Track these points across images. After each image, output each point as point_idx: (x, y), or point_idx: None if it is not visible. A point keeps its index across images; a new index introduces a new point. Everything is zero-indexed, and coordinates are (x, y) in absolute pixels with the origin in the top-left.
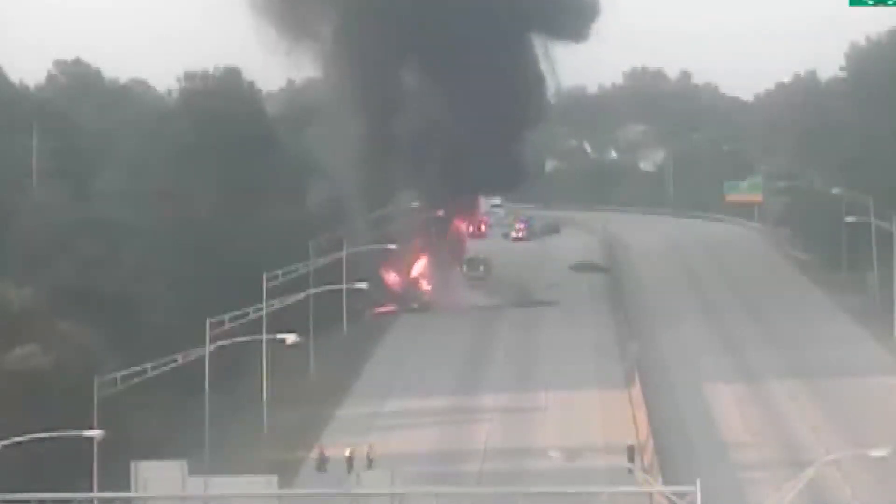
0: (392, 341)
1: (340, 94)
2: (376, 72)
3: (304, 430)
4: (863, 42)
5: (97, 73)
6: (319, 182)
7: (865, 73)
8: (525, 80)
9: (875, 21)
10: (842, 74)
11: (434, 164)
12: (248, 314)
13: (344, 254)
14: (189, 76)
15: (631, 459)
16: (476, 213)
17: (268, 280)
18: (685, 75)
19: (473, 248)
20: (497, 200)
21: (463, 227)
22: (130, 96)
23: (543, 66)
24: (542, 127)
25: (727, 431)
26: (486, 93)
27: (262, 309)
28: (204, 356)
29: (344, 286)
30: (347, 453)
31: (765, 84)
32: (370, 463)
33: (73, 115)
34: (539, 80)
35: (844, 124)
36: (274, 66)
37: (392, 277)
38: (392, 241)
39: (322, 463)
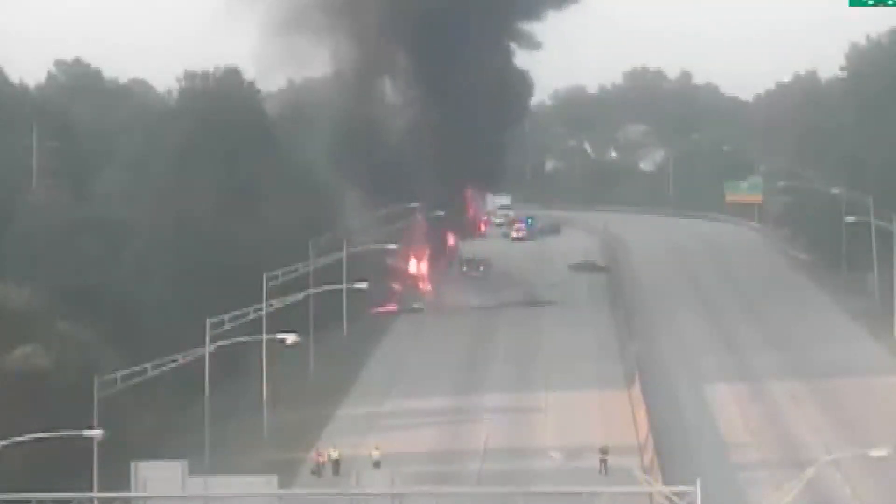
0: (392, 341)
1: (337, 92)
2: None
3: (304, 430)
4: (863, 42)
5: (97, 73)
6: (319, 181)
7: (865, 73)
8: (507, 78)
9: (875, 21)
10: (842, 74)
11: (430, 163)
12: (248, 314)
13: (344, 254)
14: (189, 76)
15: (604, 452)
16: (478, 212)
17: (268, 280)
18: (685, 75)
19: (473, 248)
20: (506, 201)
21: (468, 226)
22: (130, 96)
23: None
24: (542, 127)
25: (727, 431)
26: (470, 89)
27: (262, 309)
28: (204, 356)
29: (344, 286)
30: (336, 454)
31: (765, 84)
32: (377, 464)
33: (73, 115)
34: (521, 77)
35: (844, 124)
36: (274, 63)
37: (392, 277)
38: (392, 241)
39: (323, 466)
